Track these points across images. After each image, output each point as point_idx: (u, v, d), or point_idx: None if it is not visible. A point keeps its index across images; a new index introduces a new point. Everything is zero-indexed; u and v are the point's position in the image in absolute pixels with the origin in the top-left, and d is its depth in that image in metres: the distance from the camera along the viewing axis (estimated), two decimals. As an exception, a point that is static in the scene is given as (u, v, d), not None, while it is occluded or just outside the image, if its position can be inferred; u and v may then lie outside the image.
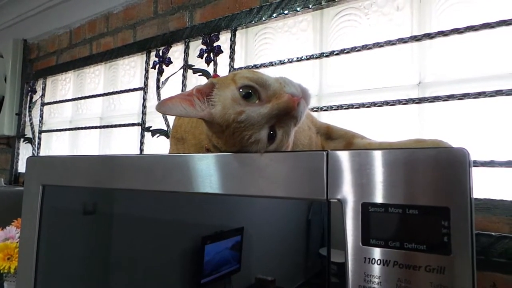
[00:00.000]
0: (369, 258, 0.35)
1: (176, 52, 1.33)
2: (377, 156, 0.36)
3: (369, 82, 0.94)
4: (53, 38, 1.85)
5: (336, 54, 0.96)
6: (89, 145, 1.63)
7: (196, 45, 1.26)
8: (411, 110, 0.87)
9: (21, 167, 1.92)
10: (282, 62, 1.04)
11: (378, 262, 0.34)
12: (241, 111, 0.42)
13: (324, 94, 1.01)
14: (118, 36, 1.54)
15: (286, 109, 0.41)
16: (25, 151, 1.93)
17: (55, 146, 1.80)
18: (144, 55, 1.41)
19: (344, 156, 0.37)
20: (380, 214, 0.34)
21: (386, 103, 0.87)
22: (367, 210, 0.35)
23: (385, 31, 0.92)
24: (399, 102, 0.86)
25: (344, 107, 0.93)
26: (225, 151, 0.45)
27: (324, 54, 0.97)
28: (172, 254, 0.53)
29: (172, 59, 1.33)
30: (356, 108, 0.91)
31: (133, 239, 0.58)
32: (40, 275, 0.65)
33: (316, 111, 0.98)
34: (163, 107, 0.43)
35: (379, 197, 0.35)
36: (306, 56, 1.00)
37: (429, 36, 0.83)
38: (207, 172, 0.46)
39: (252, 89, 0.42)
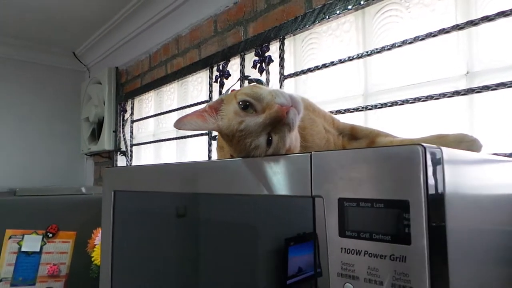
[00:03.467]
0: (345, 248, 0.38)
1: (234, 65, 1.44)
2: (351, 155, 0.39)
3: (415, 76, 0.91)
4: (137, 63, 2.12)
5: (378, 52, 0.95)
6: (168, 154, 1.84)
7: (251, 57, 1.35)
8: (460, 102, 0.83)
9: (119, 177, 2.23)
10: (326, 66, 1.07)
11: (352, 252, 0.37)
12: (241, 121, 0.48)
13: (370, 93, 1.01)
14: (187, 56, 1.71)
15: (277, 118, 0.47)
16: (121, 163, 2.24)
17: (143, 157, 2.06)
18: (208, 70, 1.55)
19: (326, 157, 0.41)
20: (353, 208, 0.38)
21: (431, 97, 0.84)
22: (342, 204, 0.39)
23: (428, 22, 0.89)
24: (444, 95, 0.82)
25: (388, 104, 0.92)
26: (236, 157, 0.52)
27: (365, 54, 0.97)
28: (257, 255, 0.54)
29: (230, 72, 1.44)
30: (400, 104, 0.90)
31: (215, 242, 0.61)
32: (115, 271, 0.78)
33: (361, 110, 0.98)
34: (179, 124, 0.52)
35: (352, 193, 0.38)
36: (349, 57, 1.01)
37: (473, 23, 0.79)
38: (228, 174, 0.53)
39: (249, 103, 0.49)
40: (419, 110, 0.89)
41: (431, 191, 0.33)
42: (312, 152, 0.42)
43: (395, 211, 0.35)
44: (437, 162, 0.35)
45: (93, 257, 1.45)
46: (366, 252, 0.36)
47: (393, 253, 0.34)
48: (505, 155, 0.73)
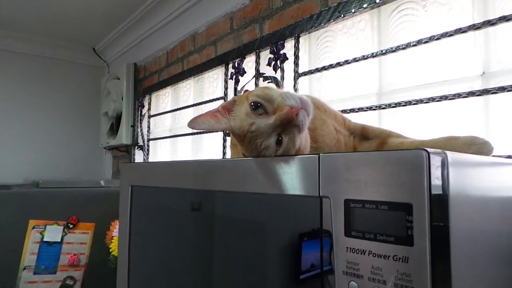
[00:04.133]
0: (350, 248, 0.39)
1: (249, 63, 1.45)
2: (358, 158, 0.40)
3: (430, 76, 0.91)
4: (155, 59, 2.16)
5: (393, 51, 0.95)
6: (184, 149, 1.87)
7: (266, 54, 1.36)
8: (475, 102, 0.82)
9: (136, 170, 2.28)
10: (340, 64, 1.07)
11: (357, 251, 0.39)
12: (252, 122, 0.50)
13: (384, 92, 1.01)
14: (203, 53, 1.73)
15: (286, 119, 0.48)
16: (139, 157, 2.29)
17: (160, 151, 2.10)
18: (223, 67, 1.56)
19: (333, 158, 0.43)
20: (359, 209, 0.39)
21: (445, 97, 0.84)
22: (349, 205, 0.40)
23: (444, 22, 0.88)
24: (459, 95, 0.82)
25: (402, 104, 0.92)
26: (248, 156, 0.54)
27: (380, 53, 0.97)
28: (271, 250, 0.55)
29: (246, 69, 1.45)
30: (414, 104, 0.90)
31: (228, 237, 0.62)
32: (132, 262, 0.82)
33: (374, 109, 0.99)
34: (193, 123, 0.54)
35: (358, 194, 0.39)
36: (363, 56, 1.01)
37: (490, 23, 0.78)
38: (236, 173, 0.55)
39: (260, 104, 0.50)
40: (434, 110, 0.89)
41: (435, 194, 0.34)
42: (320, 154, 0.44)
43: (398, 214, 0.36)
44: (441, 166, 0.36)
45: (111, 248, 1.50)
46: (370, 252, 0.38)
47: (396, 253, 0.36)
48: (520, 157, 0.73)
